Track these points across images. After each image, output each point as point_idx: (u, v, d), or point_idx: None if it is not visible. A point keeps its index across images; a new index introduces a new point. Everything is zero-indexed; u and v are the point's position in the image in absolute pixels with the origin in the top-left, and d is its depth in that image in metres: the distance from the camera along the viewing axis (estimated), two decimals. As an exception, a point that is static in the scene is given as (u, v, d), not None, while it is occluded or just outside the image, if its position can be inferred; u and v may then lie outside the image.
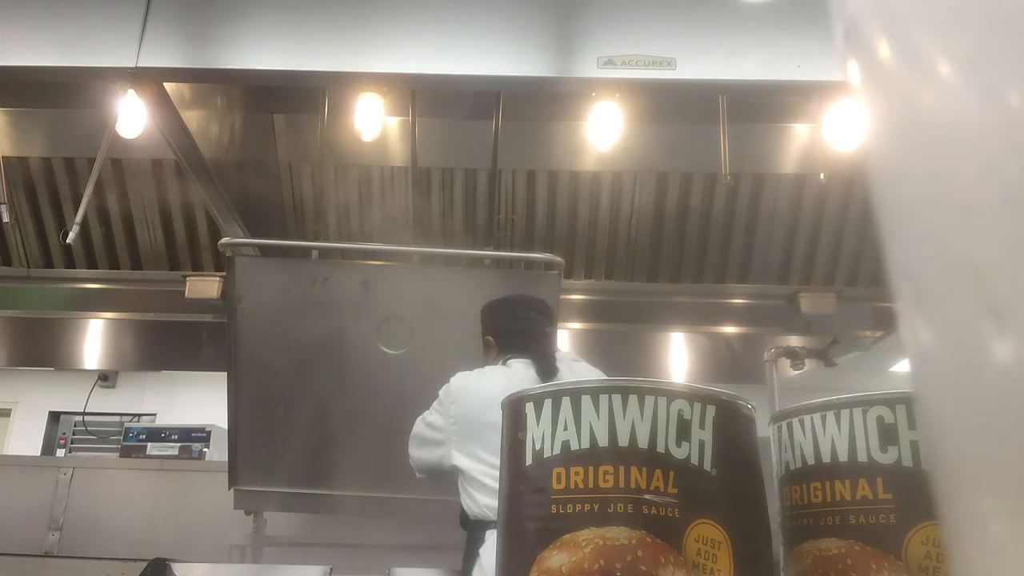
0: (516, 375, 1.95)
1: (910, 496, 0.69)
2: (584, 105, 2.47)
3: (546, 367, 1.97)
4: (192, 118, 2.29)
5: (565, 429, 0.70)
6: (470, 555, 1.87)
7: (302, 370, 2.47)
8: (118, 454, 3.53)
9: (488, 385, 1.93)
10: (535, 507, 0.70)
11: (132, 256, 3.17)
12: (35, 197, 3.04)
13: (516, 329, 2.07)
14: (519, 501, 0.72)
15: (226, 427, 2.59)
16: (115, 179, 2.98)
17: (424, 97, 2.72)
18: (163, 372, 5.49)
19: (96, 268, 3.20)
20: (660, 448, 0.68)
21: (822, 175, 2.78)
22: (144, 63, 1.93)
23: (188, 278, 3.15)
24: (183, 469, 3.10)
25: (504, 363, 2.03)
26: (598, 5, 1.96)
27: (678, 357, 3.59)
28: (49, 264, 3.20)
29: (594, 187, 2.98)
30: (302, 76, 1.99)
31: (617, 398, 0.70)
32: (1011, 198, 0.23)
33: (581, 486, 0.68)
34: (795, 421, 0.78)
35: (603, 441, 0.69)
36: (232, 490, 2.61)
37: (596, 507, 0.67)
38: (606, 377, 1.57)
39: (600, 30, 1.94)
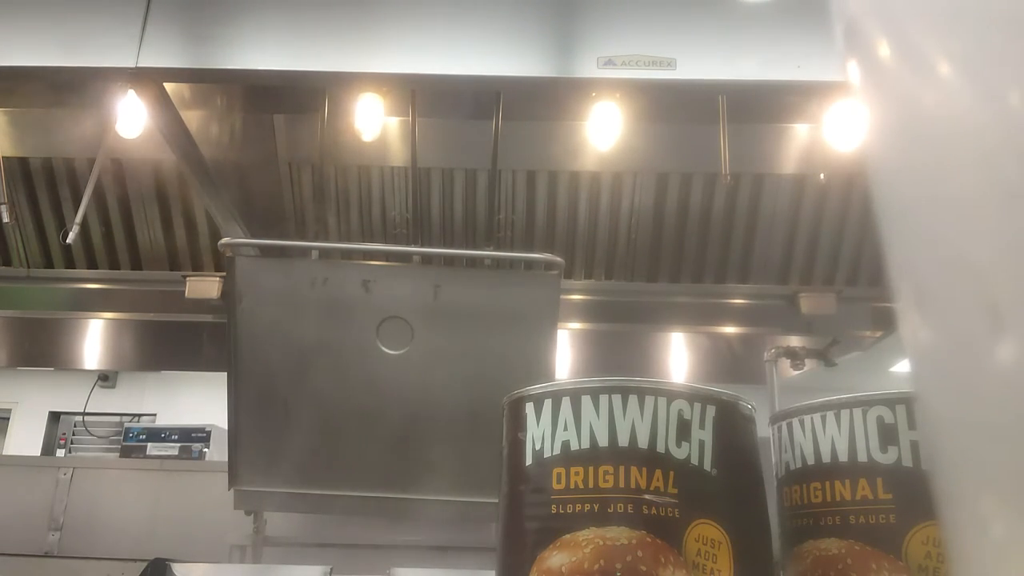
0: None
1: (910, 496, 0.69)
2: (584, 105, 2.47)
3: None
4: (192, 118, 2.29)
5: (565, 429, 0.70)
6: None
7: (302, 370, 2.46)
8: (118, 454, 3.53)
9: None
10: (535, 507, 0.70)
11: (132, 256, 3.17)
12: (35, 197, 3.04)
13: None
14: (519, 501, 0.72)
15: (226, 427, 2.58)
16: (115, 179, 2.98)
17: (424, 97, 2.71)
18: (163, 372, 5.49)
19: (96, 268, 3.20)
20: (660, 448, 0.68)
21: (822, 175, 2.78)
22: (144, 63, 1.93)
23: (188, 278, 3.15)
24: (183, 469, 3.10)
25: None
26: (598, 5, 1.96)
27: (678, 357, 3.59)
28: (49, 264, 3.20)
29: (594, 187, 2.98)
30: (302, 76, 1.99)
31: (617, 398, 0.70)
32: (1011, 198, 0.23)
33: (581, 486, 0.68)
34: (795, 421, 0.78)
35: (603, 441, 0.69)
36: (232, 490, 2.60)
37: (596, 507, 0.67)
38: None
39: (600, 30, 1.94)
